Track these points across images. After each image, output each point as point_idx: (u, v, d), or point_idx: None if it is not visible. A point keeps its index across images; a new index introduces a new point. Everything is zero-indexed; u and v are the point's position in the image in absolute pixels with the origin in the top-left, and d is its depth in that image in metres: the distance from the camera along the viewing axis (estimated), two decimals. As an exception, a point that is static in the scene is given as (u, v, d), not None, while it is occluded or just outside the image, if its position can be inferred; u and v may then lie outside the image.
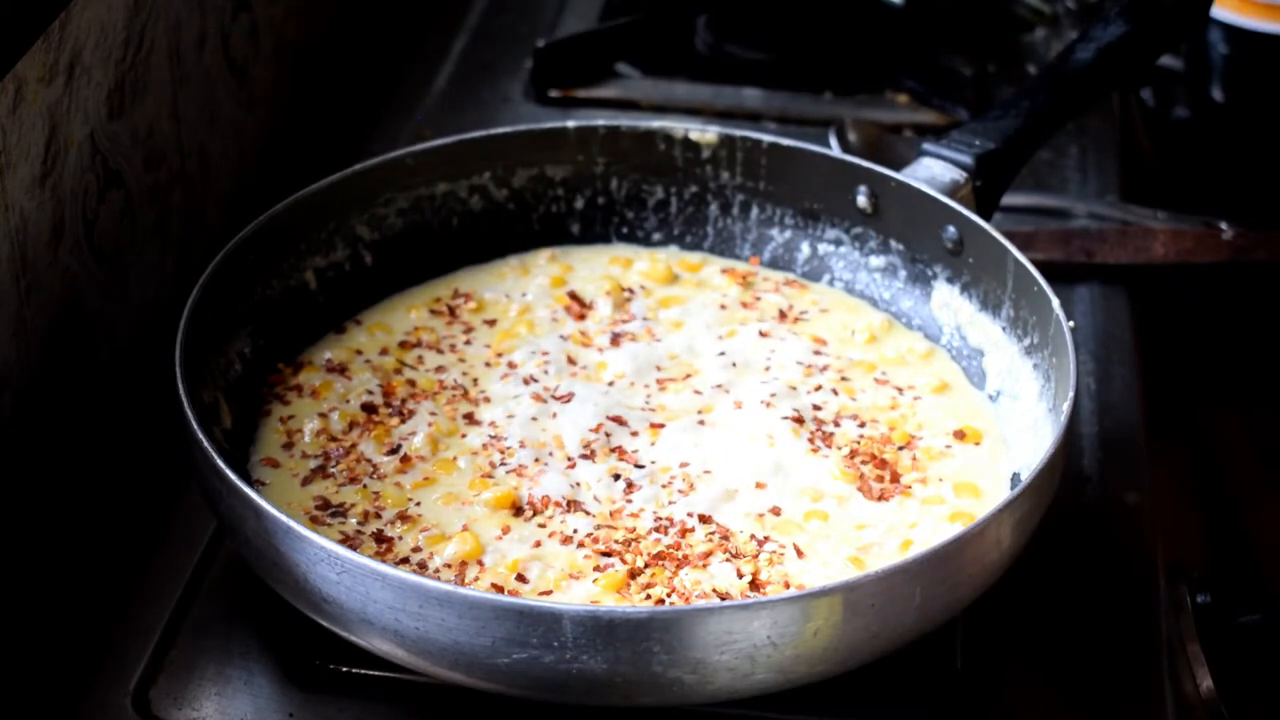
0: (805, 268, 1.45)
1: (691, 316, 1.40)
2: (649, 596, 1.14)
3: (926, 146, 1.39)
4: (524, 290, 1.42)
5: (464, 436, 1.28)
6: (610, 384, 1.33)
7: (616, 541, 1.19)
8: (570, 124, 1.45)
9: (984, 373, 1.34)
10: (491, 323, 1.39)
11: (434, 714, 1.16)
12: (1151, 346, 1.51)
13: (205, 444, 1.13)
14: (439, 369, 1.34)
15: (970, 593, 1.13)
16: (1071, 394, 1.18)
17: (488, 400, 1.31)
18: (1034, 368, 1.29)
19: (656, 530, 1.20)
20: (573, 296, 1.41)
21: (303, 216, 1.36)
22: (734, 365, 1.35)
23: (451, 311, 1.40)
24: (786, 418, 1.29)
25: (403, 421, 1.29)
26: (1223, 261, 1.55)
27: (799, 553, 1.18)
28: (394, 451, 1.26)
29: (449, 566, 1.17)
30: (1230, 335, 1.68)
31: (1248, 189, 1.76)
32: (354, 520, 1.21)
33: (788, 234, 1.46)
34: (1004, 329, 1.33)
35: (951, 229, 1.36)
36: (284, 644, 1.20)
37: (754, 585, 1.15)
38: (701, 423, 1.29)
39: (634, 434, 1.28)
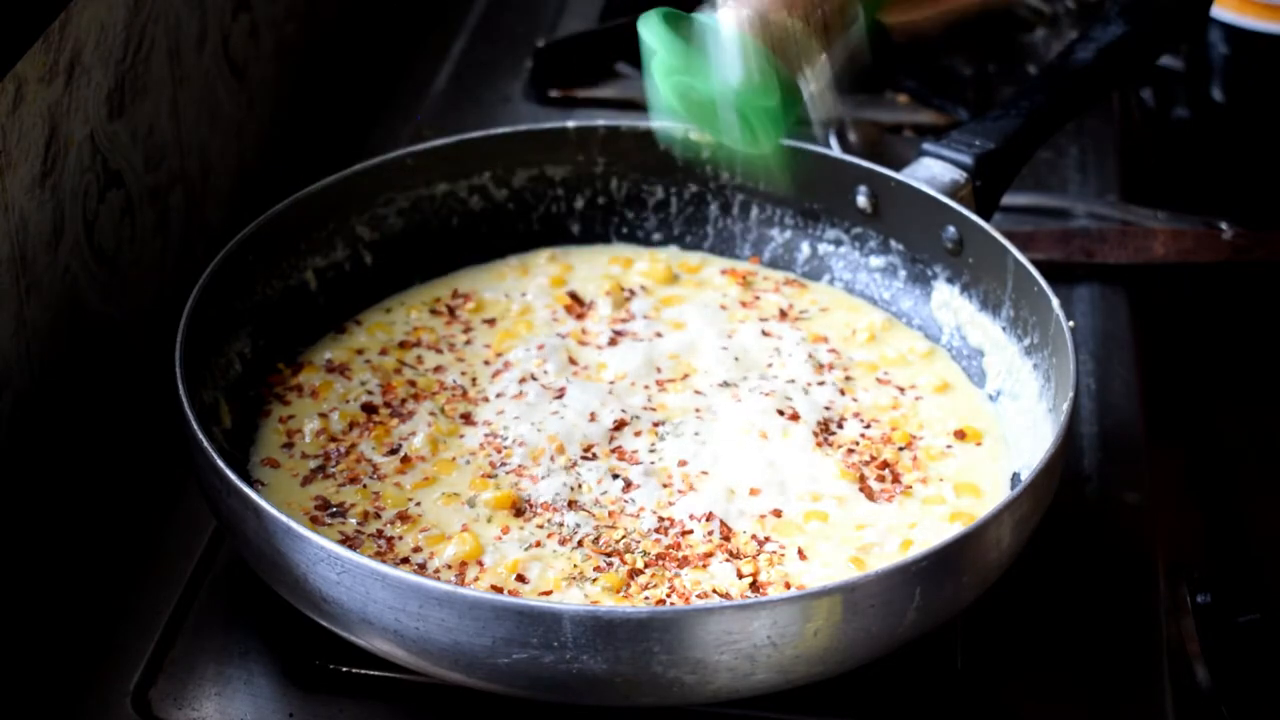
0: (805, 268, 1.45)
1: (692, 316, 1.40)
2: (649, 597, 1.15)
3: (926, 146, 1.39)
4: (524, 290, 1.42)
5: (463, 437, 1.28)
6: (610, 384, 1.33)
7: (616, 541, 1.19)
8: (570, 124, 1.45)
9: (984, 373, 1.34)
10: (491, 322, 1.39)
11: (434, 714, 1.16)
12: (1151, 346, 1.51)
13: (205, 444, 1.13)
14: (439, 369, 1.34)
15: (970, 593, 1.13)
16: (1071, 394, 1.18)
17: (487, 400, 1.31)
18: (1034, 368, 1.29)
19: (657, 530, 1.20)
20: (573, 296, 1.41)
21: (303, 216, 1.36)
22: (735, 364, 1.35)
23: (451, 311, 1.40)
24: (787, 417, 1.29)
25: (402, 421, 1.29)
26: (1223, 261, 1.55)
27: (800, 553, 1.18)
28: (394, 451, 1.26)
29: (449, 567, 1.17)
30: (1230, 335, 1.68)
31: (1248, 189, 1.76)
32: (354, 520, 1.21)
33: (788, 234, 1.46)
34: (1004, 329, 1.33)
35: (951, 229, 1.36)
36: (284, 644, 1.20)
37: (754, 586, 1.15)
38: (701, 421, 1.29)
39: (635, 434, 1.28)
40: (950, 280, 1.38)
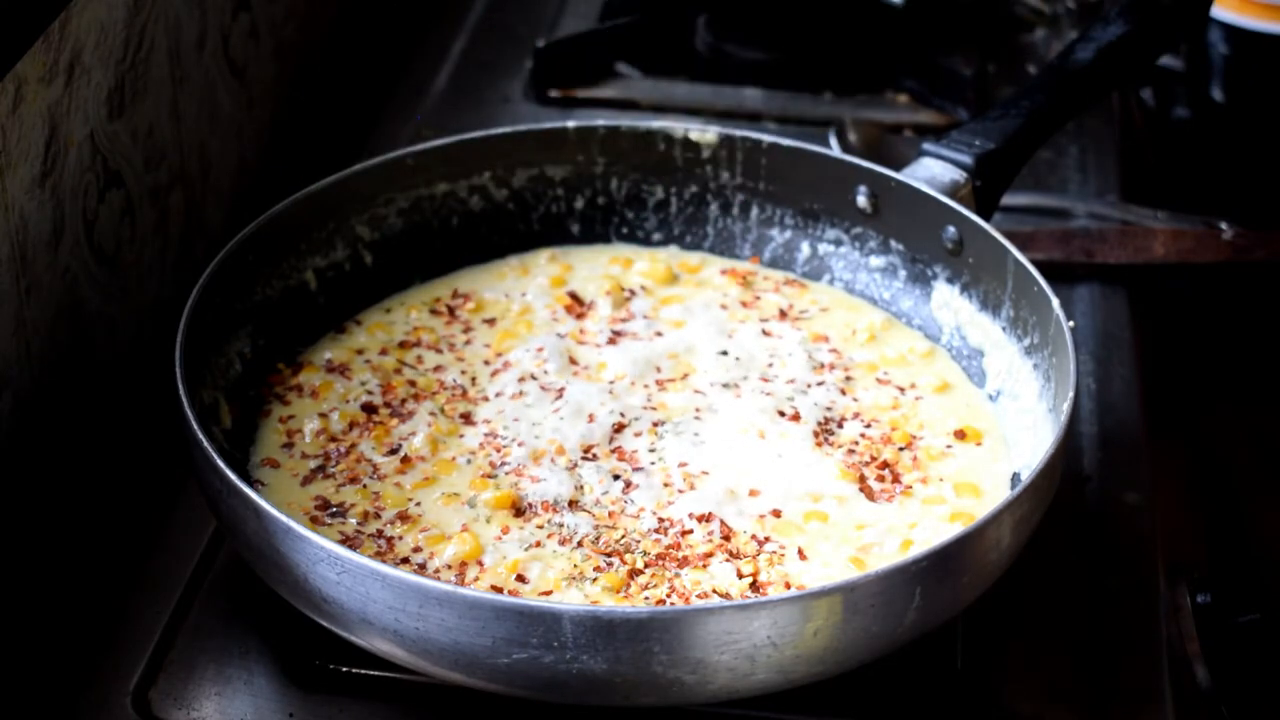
0: (805, 268, 1.45)
1: (692, 316, 1.40)
2: (649, 597, 1.15)
3: (926, 146, 1.39)
4: (524, 290, 1.42)
5: (463, 437, 1.28)
6: (610, 384, 1.33)
7: (616, 541, 1.19)
8: (570, 124, 1.45)
9: (984, 373, 1.34)
10: (491, 322, 1.39)
11: (434, 714, 1.16)
12: (1151, 346, 1.51)
13: (205, 444, 1.13)
14: (439, 369, 1.34)
15: (970, 593, 1.13)
16: (1071, 394, 1.18)
17: (487, 400, 1.31)
18: (1034, 368, 1.29)
19: (657, 531, 1.20)
20: (573, 296, 1.41)
21: (303, 216, 1.36)
22: (735, 364, 1.35)
23: (451, 311, 1.40)
24: (787, 417, 1.29)
25: (403, 421, 1.29)
26: (1223, 261, 1.55)
27: (800, 553, 1.18)
28: (394, 451, 1.26)
29: (449, 567, 1.17)
30: (1230, 335, 1.68)
31: (1248, 189, 1.76)
32: (354, 520, 1.21)
33: (788, 234, 1.46)
34: (1004, 329, 1.33)
35: (951, 229, 1.36)
36: (284, 644, 1.20)
37: (754, 586, 1.15)
38: (701, 421, 1.29)
39: (635, 434, 1.28)
40: (950, 280, 1.38)
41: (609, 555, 1.18)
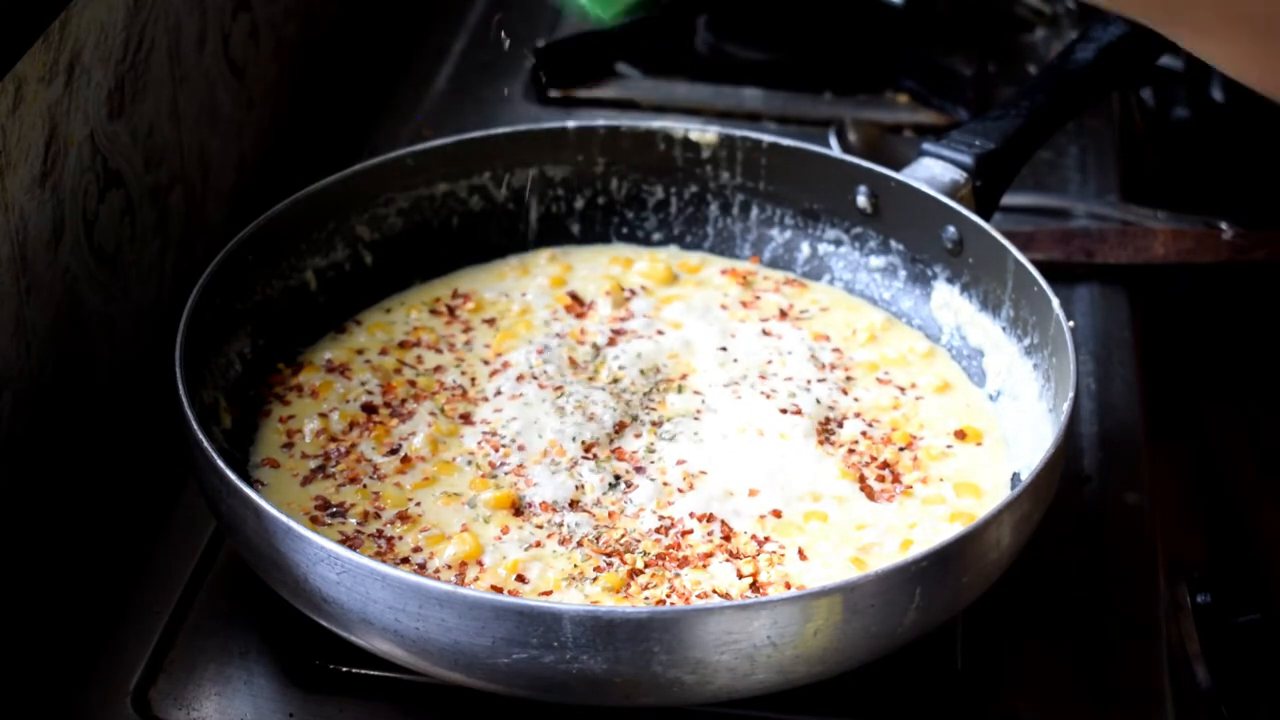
0: (805, 268, 1.45)
1: (692, 316, 1.40)
2: (649, 597, 1.15)
3: (926, 146, 1.39)
4: (524, 290, 1.42)
5: (463, 437, 1.28)
6: (610, 383, 1.33)
7: (616, 541, 1.19)
8: (570, 124, 1.45)
9: (984, 373, 1.34)
10: (491, 322, 1.39)
11: (434, 714, 1.16)
12: (1151, 346, 1.51)
13: (205, 444, 1.13)
14: (438, 369, 1.34)
15: (970, 593, 1.13)
16: (1071, 394, 1.18)
17: (487, 400, 1.31)
18: (1034, 368, 1.29)
19: (657, 531, 1.20)
20: (573, 296, 1.41)
21: (303, 216, 1.36)
22: (735, 364, 1.35)
23: (451, 311, 1.40)
24: (787, 414, 1.29)
25: (402, 421, 1.29)
26: (1223, 261, 1.55)
27: (800, 553, 1.18)
28: (394, 452, 1.26)
29: (449, 567, 1.17)
30: (1230, 335, 1.68)
31: (1248, 189, 1.76)
32: (354, 520, 1.21)
33: (788, 234, 1.46)
34: (1004, 329, 1.33)
35: (951, 229, 1.36)
36: (284, 644, 1.20)
37: (754, 586, 1.15)
38: (701, 421, 1.29)
39: (635, 434, 1.28)
40: (950, 280, 1.38)
41: (609, 555, 1.18)
